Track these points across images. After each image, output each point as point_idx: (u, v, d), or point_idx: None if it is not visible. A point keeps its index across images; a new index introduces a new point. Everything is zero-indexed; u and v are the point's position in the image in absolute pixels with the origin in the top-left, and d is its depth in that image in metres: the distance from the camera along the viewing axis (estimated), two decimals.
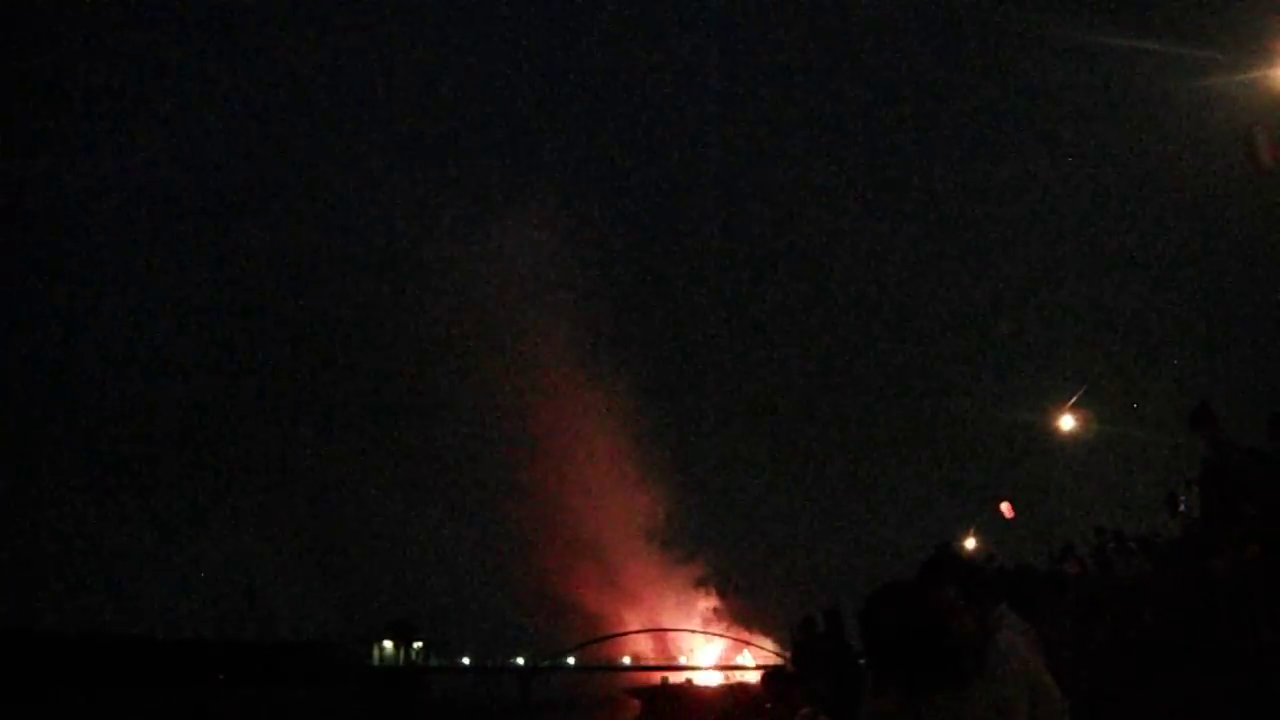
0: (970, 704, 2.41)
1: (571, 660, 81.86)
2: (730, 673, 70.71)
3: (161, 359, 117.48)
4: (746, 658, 78.18)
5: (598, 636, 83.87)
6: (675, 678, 67.69)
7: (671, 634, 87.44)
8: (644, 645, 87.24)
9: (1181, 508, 8.75)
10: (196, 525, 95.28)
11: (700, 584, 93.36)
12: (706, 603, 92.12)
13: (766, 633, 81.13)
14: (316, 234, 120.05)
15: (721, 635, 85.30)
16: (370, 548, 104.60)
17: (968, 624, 2.59)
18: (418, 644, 78.37)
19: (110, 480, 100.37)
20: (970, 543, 21.36)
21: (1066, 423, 16.05)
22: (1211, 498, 7.20)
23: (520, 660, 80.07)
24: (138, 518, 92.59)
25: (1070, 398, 16.15)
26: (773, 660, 56.66)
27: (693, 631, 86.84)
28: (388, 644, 77.04)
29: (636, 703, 55.34)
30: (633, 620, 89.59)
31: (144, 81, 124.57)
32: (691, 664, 79.34)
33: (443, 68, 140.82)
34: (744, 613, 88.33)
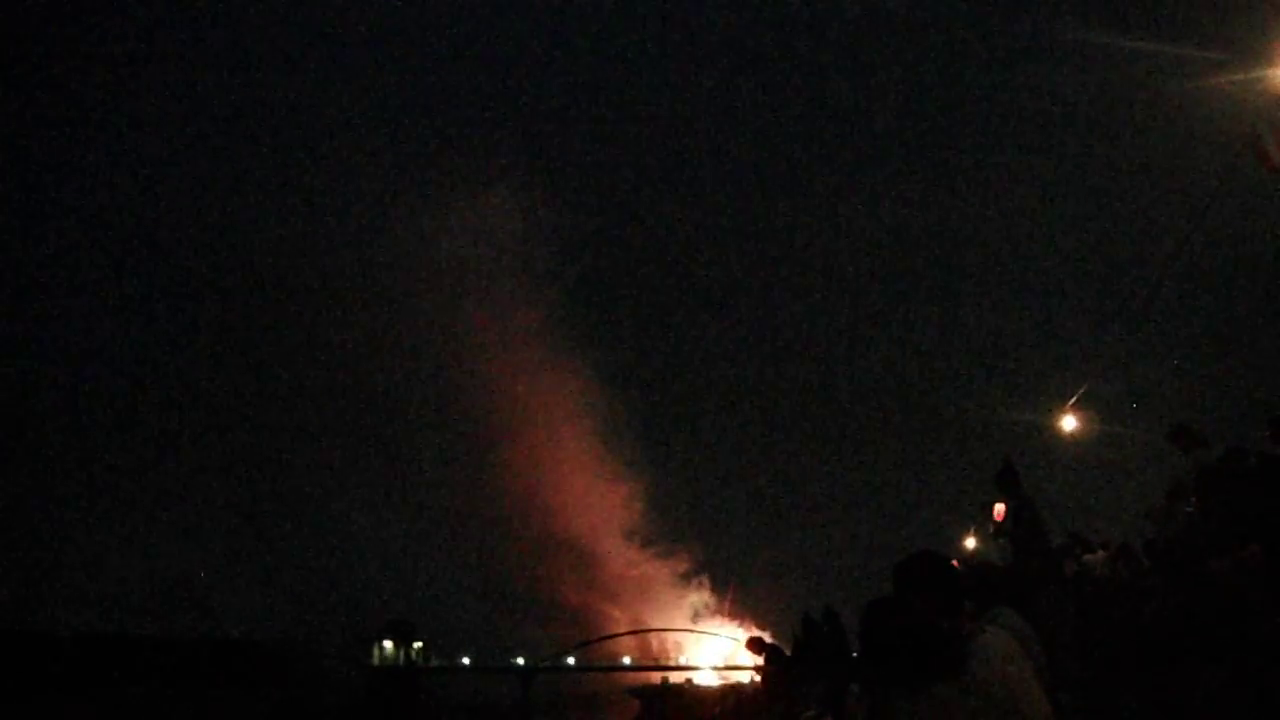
0: (936, 707, 2.41)
1: (571, 660, 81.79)
2: (729, 672, 70.56)
3: (117, 348, 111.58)
4: (746, 656, 77.89)
5: (596, 637, 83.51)
6: (675, 677, 67.61)
7: (670, 634, 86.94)
8: (642, 645, 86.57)
9: (1188, 508, 8.78)
10: (168, 525, 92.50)
11: (687, 578, 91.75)
12: (698, 597, 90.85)
13: (763, 627, 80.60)
14: (269, 214, 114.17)
15: (715, 634, 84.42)
16: (344, 548, 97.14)
17: (941, 628, 2.59)
18: (418, 644, 78.33)
19: (102, 480, 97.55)
20: (970, 542, 21.34)
21: (1068, 423, 16.05)
22: (1211, 499, 7.21)
23: (520, 660, 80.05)
24: (126, 518, 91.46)
25: (1071, 397, 16.14)
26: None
27: (691, 631, 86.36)
28: (388, 644, 77.02)
29: (636, 702, 55.30)
30: (622, 619, 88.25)
31: (92, 43, 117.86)
32: (691, 664, 79.15)
33: (405, 40, 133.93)
34: (740, 608, 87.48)
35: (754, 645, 10.86)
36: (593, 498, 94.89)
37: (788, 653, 9.51)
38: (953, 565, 2.70)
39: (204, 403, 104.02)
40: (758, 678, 12.81)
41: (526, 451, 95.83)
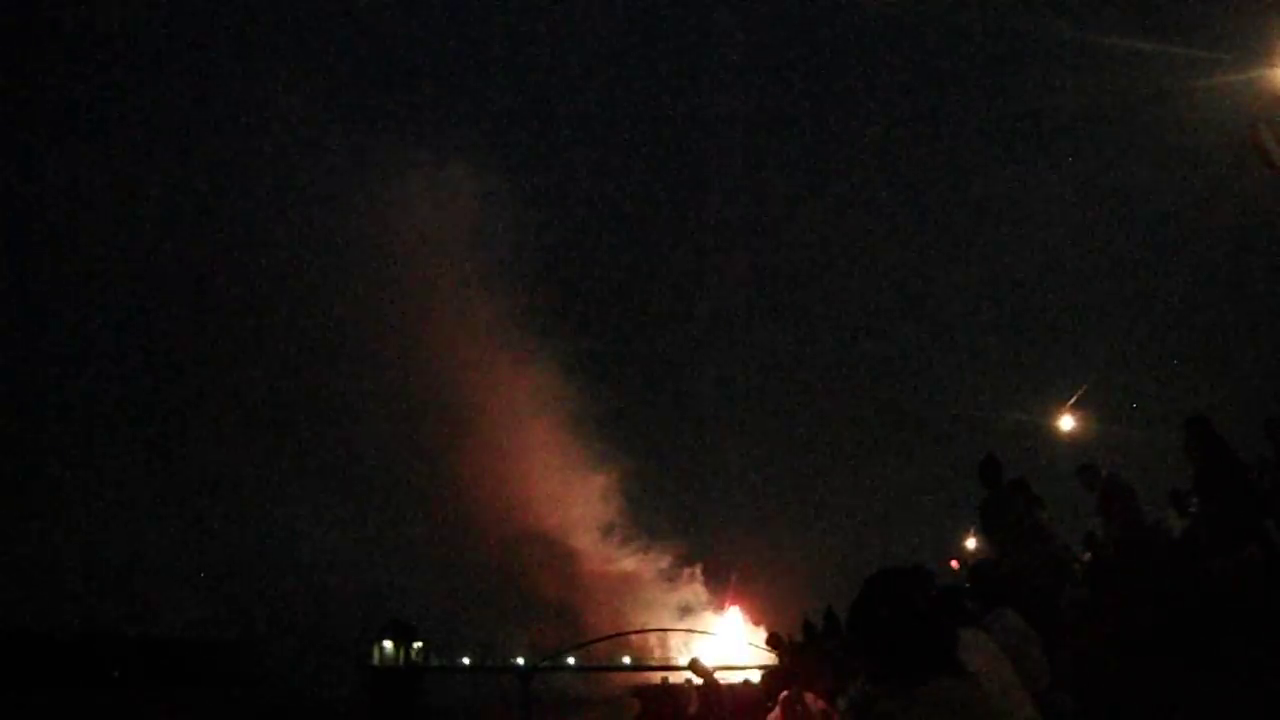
0: (933, 701, 2.40)
1: (571, 660, 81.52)
2: (728, 672, 70.20)
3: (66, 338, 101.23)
4: (747, 655, 77.56)
5: (595, 638, 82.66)
6: (674, 677, 67.48)
7: (670, 634, 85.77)
8: (642, 645, 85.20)
9: (1191, 508, 8.82)
10: (118, 520, 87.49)
11: (670, 574, 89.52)
12: (689, 592, 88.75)
13: (758, 623, 79.53)
14: (208, 184, 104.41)
15: (712, 633, 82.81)
16: (303, 548, 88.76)
17: (938, 620, 2.57)
18: (418, 644, 78.24)
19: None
20: (971, 543, 21.35)
21: (1066, 423, 16.08)
22: (1211, 498, 7.22)
23: (520, 660, 79.88)
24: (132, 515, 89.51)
25: (1070, 397, 16.17)
26: (770, 658, 56.32)
27: (688, 632, 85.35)
28: (388, 644, 76.97)
29: (636, 702, 55.25)
30: (604, 617, 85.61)
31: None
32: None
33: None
34: (730, 605, 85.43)
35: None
36: (565, 492, 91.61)
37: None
38: (924, 581, 2.66)
39: (154, 394, 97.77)
40: (754, 678, 12.80)
41: (491, 444, 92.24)
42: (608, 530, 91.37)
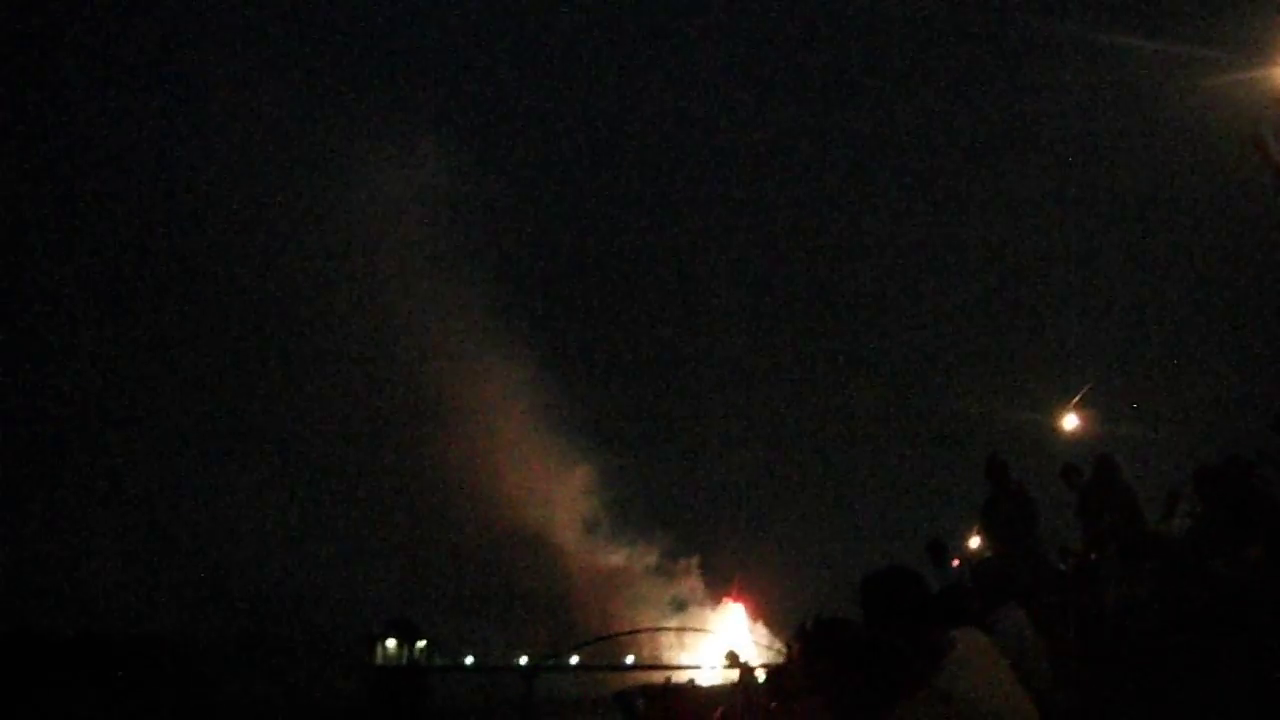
0: None
1: (575, 659, 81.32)
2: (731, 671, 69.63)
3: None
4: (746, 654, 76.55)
5: (597, 637, 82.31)
6: (678, 677, 67.22)
7: (671, 634, 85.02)
8: (633, 643, 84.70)
9: (1197, 509, 8.81)
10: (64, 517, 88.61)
11: (659, 570, 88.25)
12: (685, 587, 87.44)
13: (757, 618, 78.63)
14: (157, 167, 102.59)
15: (700, 630, 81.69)
16: (267, 544, 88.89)
17: (895, 644, 2.56)
18: (421, 643, 78.11)
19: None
20: (974, 542, 21.31)
21: (1069, 422, 16.03)
22: (1211, 499, 7.22)
23: (524, 660, 79.70)
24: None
25: (1074, 396, 16.14)
26: (773, 657, 56.20)
27: (690, 631, 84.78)
28: (390, 643, 76.89)
29: (640, 702, 55.12)
30: (593, 616, 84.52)
31: None
32: (693, 663, 78.26)
33: None
34: (722, 601, 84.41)
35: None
36: (545, 487, 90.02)
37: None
38: (921, 580, 2.65)
39: (139, 396, 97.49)
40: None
41: (470, 438, 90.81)
42: (595, 525, 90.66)
